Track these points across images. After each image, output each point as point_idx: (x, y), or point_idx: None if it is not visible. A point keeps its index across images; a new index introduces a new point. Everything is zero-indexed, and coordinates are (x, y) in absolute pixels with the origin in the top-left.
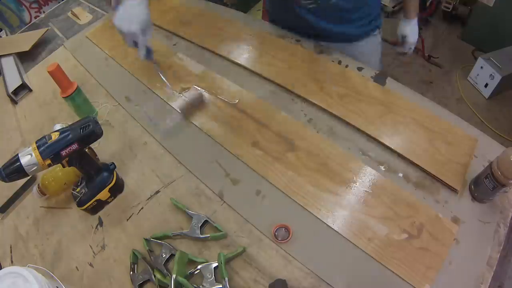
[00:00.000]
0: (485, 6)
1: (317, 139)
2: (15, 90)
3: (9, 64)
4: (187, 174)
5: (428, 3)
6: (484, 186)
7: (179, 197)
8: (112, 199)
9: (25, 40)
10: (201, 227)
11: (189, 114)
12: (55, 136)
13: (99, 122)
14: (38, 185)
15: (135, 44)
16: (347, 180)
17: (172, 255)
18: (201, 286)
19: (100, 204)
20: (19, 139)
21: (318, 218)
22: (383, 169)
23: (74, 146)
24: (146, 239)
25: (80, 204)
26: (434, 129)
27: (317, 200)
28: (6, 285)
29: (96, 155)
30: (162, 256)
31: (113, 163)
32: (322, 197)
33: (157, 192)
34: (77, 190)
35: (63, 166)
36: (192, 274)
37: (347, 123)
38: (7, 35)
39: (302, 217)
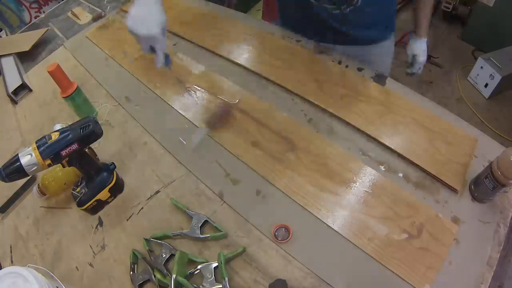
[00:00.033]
0: (485, 6)
1: (317, 139)
2: (15, 90)
3: (9, 64)
4: (187, 174)
5: None
6: (484, 186)
7: (179, 197)
8: (112, 199)
9: (25, 40)
10: (201, 227)
11: (214, 128)
12: (55, 136)
13: (99, 122)
14: (38, 185)
15: (152, 49)
16: (347, 180)
17: (172, 255)
18: (201, 286)
19: (100, 204)
20: (19, 139)
21: (318, 218)
22: (383, 169)
23: (74, 146)
24: (146, 239)
25: (80, 204)
26: (434, 129)
27: (317, 200)
28: (6, 285)
29: (96, 155)
30: (162, 256)
31: (113, 163)
32: (322, 197)
33: (157, 192)
34: (77, 190)
35: (63, 166)
36: (192, 274)
37: (347, 123)
38: (7, 35)
39: (302, 217)
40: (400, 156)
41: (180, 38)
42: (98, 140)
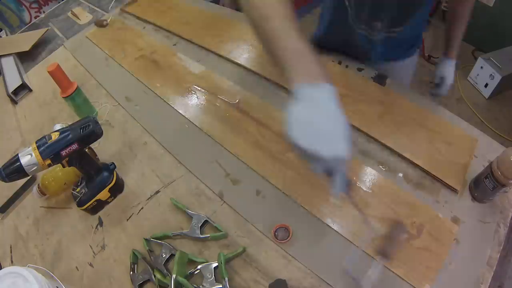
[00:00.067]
0: (485, 6)
1: None
2: (15, 90)
3: (9, 64)
4: (187, 174)
5: None
6: (484, 186)
7: (179, 197)
8: (112, 199)
9: (25, 40)
10: (201, 227)
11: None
12: (55, 136)
13: (99, 122)
14: (38, 185)
15: (329, 172)
16: None
17: (172, 255)
18: (201, 286)
19: (100, 204)
20: (19, 139)
21: (318, 218)
22: (383, 169)
23: (74, 146)
24: (146, 239)
25: (80, 204)
26: (434, 129)
27: (317, 200)
28: (6, 285)
29: (96, 155)
30: (162, 256)
31: (113, 163)
32: (322, 197)
33: (157, 192)
34: (77, 190)
35: (63, 166)
36: (192, 274)
37: None
38: (7, 35)
39: (302, 217)
40: (400, 156)
41: (180, 38)
42: (98, 140)
